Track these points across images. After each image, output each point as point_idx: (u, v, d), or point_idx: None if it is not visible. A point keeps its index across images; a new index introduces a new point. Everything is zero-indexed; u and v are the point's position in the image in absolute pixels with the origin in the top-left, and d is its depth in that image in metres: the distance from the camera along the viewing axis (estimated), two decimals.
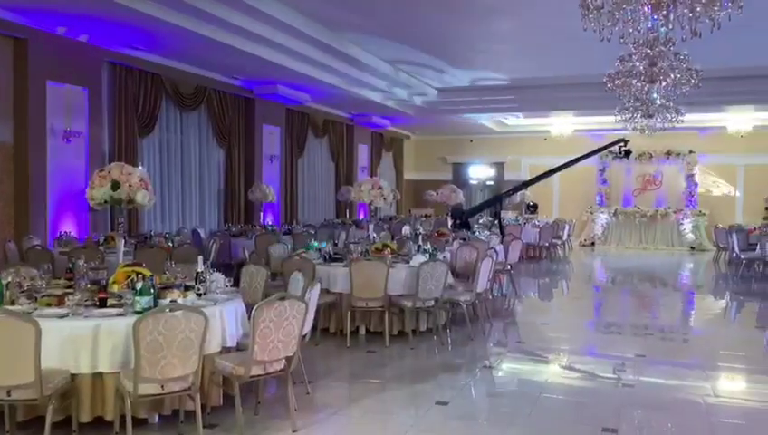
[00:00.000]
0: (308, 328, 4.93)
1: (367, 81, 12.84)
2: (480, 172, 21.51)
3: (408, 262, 7.22)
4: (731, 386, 5.88)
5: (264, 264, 7.16)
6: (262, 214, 12.93)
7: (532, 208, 19.99)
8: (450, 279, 7.34)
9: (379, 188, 7.68)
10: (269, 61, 10.41)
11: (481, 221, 16.29)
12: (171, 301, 4.38)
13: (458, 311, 7.54)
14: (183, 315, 3.93)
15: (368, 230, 8.83)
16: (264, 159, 13.46)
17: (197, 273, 4.93)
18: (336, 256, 7.38)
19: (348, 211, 16.73)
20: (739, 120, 17.35)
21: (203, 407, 4.30)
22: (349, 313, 6.72)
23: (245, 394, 4.75)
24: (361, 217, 16.88)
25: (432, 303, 6.86)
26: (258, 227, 11.81)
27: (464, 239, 10.21)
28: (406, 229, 12.51)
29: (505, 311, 9.07)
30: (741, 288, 11.37)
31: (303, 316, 4.41)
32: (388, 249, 7.48)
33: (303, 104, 14.12)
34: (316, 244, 7.99)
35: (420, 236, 9.03)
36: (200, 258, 5.10)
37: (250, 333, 4.19)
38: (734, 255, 13.34)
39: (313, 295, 4.89)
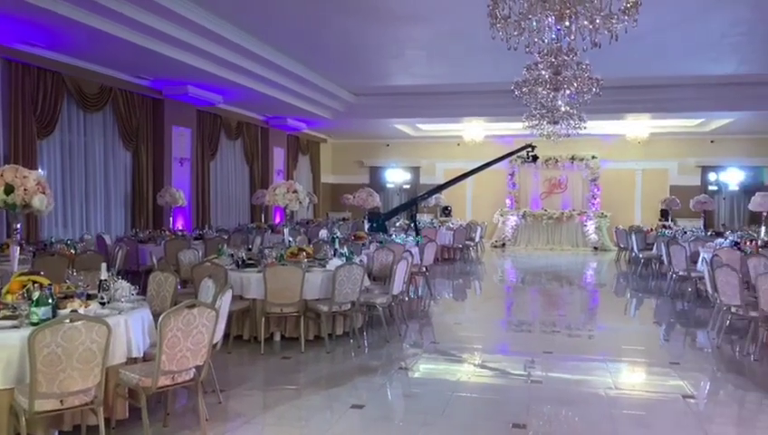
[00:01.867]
0: (219, 336, 4.81)
1: (282, 83, 12.68)
2: (397, 176, 21.75)
3: (324, 266, 7.18)
4: (631, 379, 6.23)
5: (174, 270, 6.92)
6: (172, 219, 12.49)
7: (447, 211, 20.42)
8: (367, 282, 7.37)
9: (295, 191, 7.57)
10: (179, 61, 10.08)
11: (397, 224, 16.48)
12: (72, 311, 4.14)
13: (375, 313, 7.57)
14: (84, 326, 3.73)
15: (283, 234, 8.70)
16: (174, 161, 13.02)
17: (101, 281, 4.70)
18: (250, 262, 7.24)
19: (263, 215, 16.45)
20: (637, 127, 18.43)
21: (107, 421, 4.11)
22: (263, 319, 6.62)
23: (154, 406, 4.58)
24: (277, 221, 16.66)
25: (349, 306, 6.86)
26: (168, 232, 11.39)
27: (381, 242, 10.27)
28: (323, 233, 12.47)
29: (421, 312, 9.19)
30: (640, 286, 12.06)
31: (214, 324, 4.29)
32: (304, 253, 7.42)
33: (216, 105, 13.77)
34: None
35: (337, 240, 9.01)
36: (104, 265, 4.86)
37: (157, 343, 4.03)
38: (634, 254, 14.15)
39: (225, 302, 4.77)
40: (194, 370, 4.31)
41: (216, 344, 4.72)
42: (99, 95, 11.16)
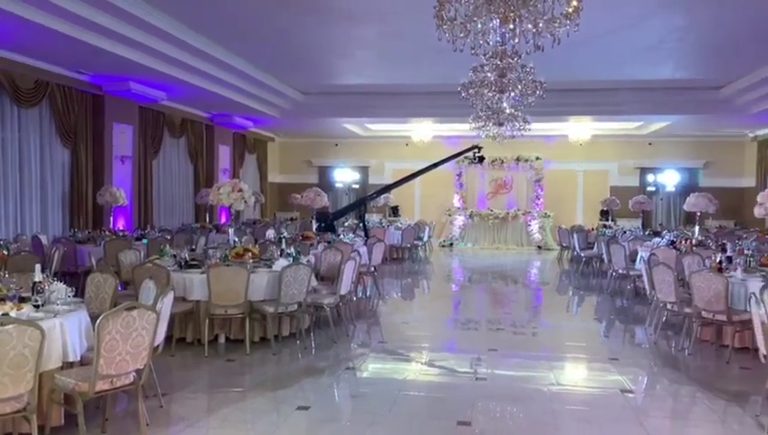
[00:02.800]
0: (161, 338, 4.69)
1: (228, 80, 12.46)
2: (345, 175, 21.70)
3: (270, 266, 7.10)
4: (573, 374, 6.39)
5: (114, 272, 6.71)
6: (112, 218, 12.09)
7: (396, 211, 20.50)
8: (314, 282, 7.32)
9: (240, 190, 7.45)
10: (119, 56, 9.76)
11: (346, 224, 16.44)
12: (3, 314, 3.97)
13: (322, 314, 7.52)
14: (15, 330, 3.58)
15: (228, 234, 8.56)
16: (115, 159, 12.61)
17: (35, 283, 4.51)
18: (193, 262, 7.08)
19: (208, 215, 16.15)
20: (579, 129, 18.94)
21: (41, 428, 3.96)
22: (207, 321, 6.49)
23: (91, 412, 4.44)
24: (223, 221, 16.37)
25: (295, 307, 6.80)
26: (108, 232, 11.03)
27: (329, 242, 10.22)
28: (270, 233, 12.31)
29: (369, 312, 9.20)
30: (581, 283, 12.40)
31: (155, 326, 4.18)
32: (250, 254, 7.30)
33: (159, 102, 13.41)
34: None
35: (284, 240, 8.92)
36: (38, 267, 4.67)
37: (95, 347, 3.90)
38: (575, 253, 14.53)
39: (166, 304, 4.65)
40: (134, 373, 4.19)
41: (157, 347, 4.61)
42: (34, 90, 10.70)
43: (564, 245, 16.42)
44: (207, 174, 16.79)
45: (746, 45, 10.48)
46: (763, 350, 4.86)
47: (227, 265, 6.77)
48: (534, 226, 19.57)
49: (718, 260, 7.34)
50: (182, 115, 15.45)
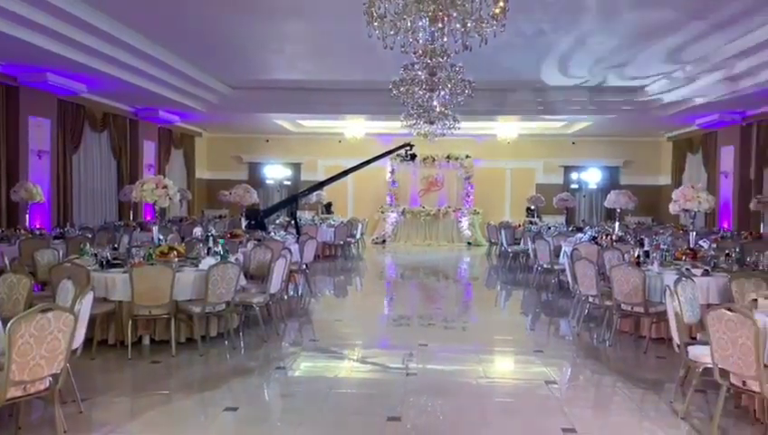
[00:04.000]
0: (80, 341, 4.49)
1: (152, 73, 12.04)
2: (277, 172, 21.42)
3: (197, 265, 6.91)
4: (500, 367, 6.55)
5: (29, 272, 6.37)
6: (28, 216, 11.47)
7: (328, 208, 20.42)
8: (243, 281, 7.18)
9: (164, 187, 7.21)
10: (35, 45, 9.25)
11: (278, 221, 16.24)
12: None
13: (252, 313, 7.40)
14: None
15: (153, 233, 8.27)
16: (32, 154, 11.96)
17: None
18: (115, 261, 6.81)
19: (132, 212, 15.58)
20: (507, 129, 19.42)
21: None
22: (130, 322, 6.25)
23: (5, 420, 4.20)
24: (148, 218, 15.83)
25: (223, 307, 6.64)
26: (23, 230, 10.46)
27: (258, 240, 10.05)
28: (197, 231, 12.00)
29: (300, 310, 9.11)
30: (509, 278, 12.72)
31: (72, 329, 3.99)
32: (175, 252, 7.09)
33: (79, 95, 12.81)
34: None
35: (212, 238, 8.70)
36: None
37: (5, 351, 3.68)
38: (503, 249, 14.89)
39: (85, 305, 4.45)
40: (50, 379, 3.99)
41: (75, 351, 4.40)
42: None
43: (493, 241, 16.82)
44: (131, 170, 16.19)
45: (661, 50, 11.02)
46: (676, 340, 5.12)
47: (151, 265, 6.54)
48: (465, 222, 19.94)
49: (636, 255, 7.69)
50: (104, 109, 14.83)
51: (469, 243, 19.58)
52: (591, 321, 7.97)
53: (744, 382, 4.17)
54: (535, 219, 18.50)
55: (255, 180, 20.68)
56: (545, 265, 10.91)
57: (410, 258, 16.36)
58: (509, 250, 14.20)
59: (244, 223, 12.54)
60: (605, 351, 6.89)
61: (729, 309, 4.21)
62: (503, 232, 14.84)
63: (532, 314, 9.31)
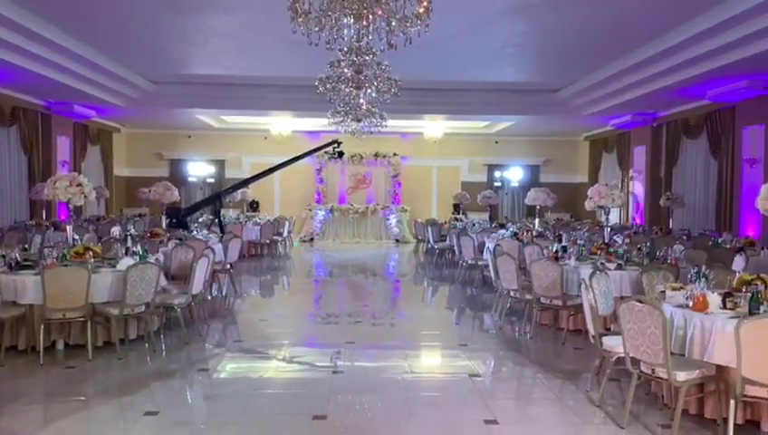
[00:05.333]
0: None
1: (65, 65, 11.45)
2: (200, 169, 20.87)
3: (114, 266, 6.64)
4: (425, 362, 6.64)
5: None
6: None
7: (254, 206, 20.11)
8: (163, 282, 6.97)
9: (79, 184, 6.89)
10: None
11: (201, 220, 15.84)
12: None
13: (173, 315, 7.19)
14: None
15: (68, 232, 7.90)
16: None
17: None
18: (26, 263, 6.46)
19: (46, 211, 14.80)
20: (433, 127, 19.71)
21: None
22: (42, 326, 5.94)
23: None
24: (63, 217, 15.08)
25: (143, 308, 6.43)
26: None
27: (180, 239, 9.77)
28: (115, 230, 11.53)
29: (225, 311, 8.92)
30: (435, 274, 12.91)
31: None
32: (91, 253, 6.79)
33: None
34: None
35: (130, 238, 8.39)
36: None
37: None
38: (430, 245, 15.12)
39: None
40: None
41: None
42: None
43: (420, 238, 17.03)
44: (44, 167, 15.35)
45: (578, 53, 11.48)
46: (591, 331, 5.35)
47: (65, 266, 6.24)
48: (393, 220, 20.09)
49: (554, 250, 7.99)
50: (13, 102, 13.99)
51: (397, 240, 19.75)
52: (513, 314, 8.21)
53: (653, 370, 4.41)
54: (461, 216, 18.88)
55: (177, 178, 20.09)
56: (470, 261, 11.15)
57: (338, 256, 16.33)
58: (435, 247, 14.43)
59: (164, 222, 12.16)
60: (526, 343, 7.12)
61: (639, 301, 4.44)
62: (429, 229, 15.06)
63: (458, 309, 9.49)
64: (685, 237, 11.71)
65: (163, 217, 12.32)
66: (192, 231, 11.68)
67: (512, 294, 7.77)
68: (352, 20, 5.39)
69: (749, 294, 4.46)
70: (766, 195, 4.93)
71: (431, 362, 6.70)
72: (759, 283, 4.76)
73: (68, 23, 9.88)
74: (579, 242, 8.77)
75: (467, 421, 4.66)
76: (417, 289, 11.85)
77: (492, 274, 8.60)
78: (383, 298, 10.78)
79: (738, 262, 8.02)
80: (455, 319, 8.87)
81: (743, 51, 9.42)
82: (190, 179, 20.87)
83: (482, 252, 11.08)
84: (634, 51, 11.07)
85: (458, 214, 19.42)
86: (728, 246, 9.89)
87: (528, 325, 7.44)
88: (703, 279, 4.90)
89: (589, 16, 9.20)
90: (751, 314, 4.27)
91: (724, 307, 4.55)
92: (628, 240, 9.76)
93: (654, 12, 8.89)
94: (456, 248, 12.27)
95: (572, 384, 5.57)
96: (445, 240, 14.36)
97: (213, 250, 8.18)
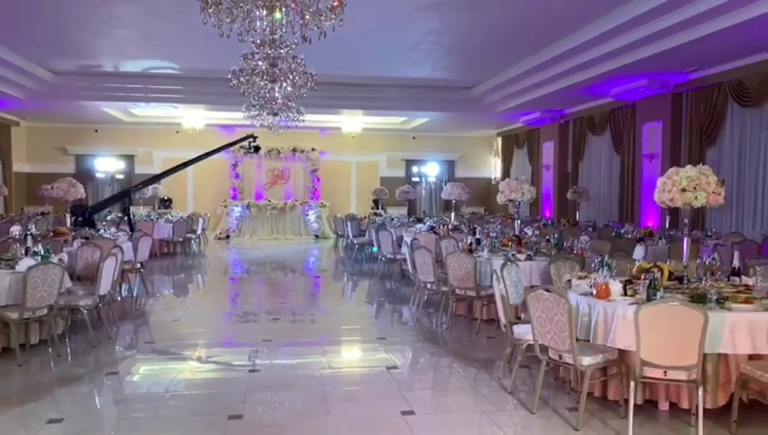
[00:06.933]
0: None
1: None
2: (108, 165, 19.97)
3: (13, 267, 6.25)
4: (344, 357, 6.65)
5: None
6: None
7: (167, 203, 19.45)
8: (68, 283, 6.63)
9: None
10: None
11: (109, 218, 15.18)
12: None
13: (79, 317, 6.86)
14: None
15: None
16: None
17: None
18: None
19: None
20: (351, 122, 19.73)
21: None
22: None
23: None
24: None
25: (45, 311, 6.08)
26: None
27: (86, 238, 9.31)
28: (15, 229, 10.83)
29: (136, 312, 8.59)
30: (355, 269, 12.95)
31: None
32: None
33: None
34: None
35: (31, 237, 7.91)
36: None
37: None
38: (349, 240, 15.14)
39: None
40: None
41: None
42: None
43: (339, 233, 17.03)
44: None
45: (490, 51, 11.81)
46: (503, 320, 5.53)
47: None
48: (312, 215, 19.99)
49: (469, 242, 8.20)
50: None
51: (316, 236, 19.66)
52: (431, 306, 8.36)
53: (560, 356, 4.61)
54: (380, 211, 19.03)
55: (84, 174, 19.19)
56: (389, 256, 11.25)
57: (256, 253, 16.07)
58: (355, 242, 14.46)
59: (69, 220, 11.56)
60: (442, 334, 7.27)
61: (547, 290, 4.63)
62: (349, 224, 15.09)
63: (377, 303, 9.56)
64: (590, 229, 12.32)
65: (68, 216, 11.71)
66: (99, 229, 11.16)
67: (429, 286, 7.91)
68: (265, 12, 5.31)
69: (647, 281, 4.73)
70: (662, 188, 5.24)
71: (350, 356, 6.72)
72: (656, 270, 5.08)
73: None
74: (492, 235, 9.04)
75: (385, 414, 4.71)
76: (336, 284, 11.84)
77: (409, 267, 8.72)
78: (302, 295, 10.70)
79: (638, 251, 8.51)
80: (374, 313, 8.92)
81: (642, 51, 10.00)
82: (98, 175, 19.97)
83: (400, 246, 11.22)
84: (543, 50, 11.50)
85: (377, 209, 19.56)
86: (630, 236, 10.50)
87: (444, 316, 7.60)
88: (606, 268, 5.15)
89: (500, 16, 9.48)
90: (649, 300, 4.54)
91: (625, 294, 4.81)
92: (537, 232, 10.15)
93: (561, 13, 9.28)
94: (374, 243, 12.35)
95: (486, 373, 5.74)
96: (364, 235, 14.42)
97: (121, 249, 7.86)
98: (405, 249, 10.23)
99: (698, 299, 4.48)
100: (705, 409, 4.20)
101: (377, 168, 22.02)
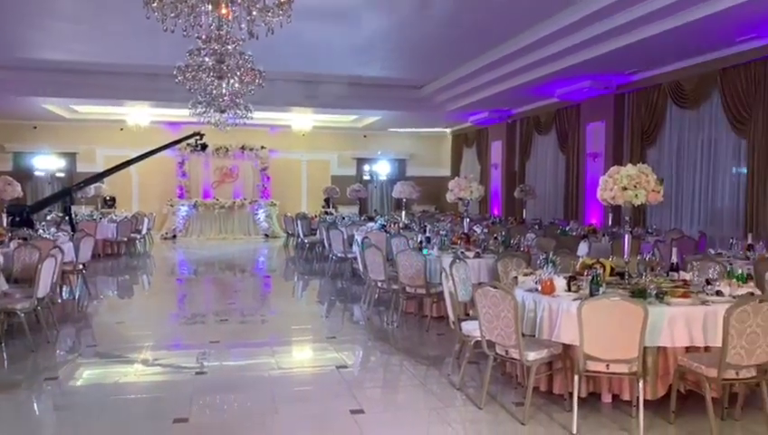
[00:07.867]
0: None
1: None
2: (48, 163, 19.24)
3: None
4: (293, 357, 6.59)
5: None
6: None
7: (110, 202, 18.90)
8: (4, 286, 6.37)
9: None
10: None
11: (49, 217, 14.64)
12: None
13: (16, 321, 6.58)
14: None
15: None
16: None
17: None
18: None
19: None
20: (302, 120, 19.57)
21: None
22: None
23: None
24: None
25: None
26: None
27: (24, 239, 8.94)
28: None
29: (77, 314, 8.32)
30: (306, 268, 12.86)
31: None
32: None
33: None
34: None
35: None
36: None
37: None
38: (300, 240, 15.03)
39: None
40: None
41: None
42: None
43: (290, 232, 16.88)
44: None
45: (439, 50, 11.90)
46: (452, 317, 5.58)
47: None
48: (261, 214, 19.76)
49: (419, 240, 8.24)
50: None
51: (266, 235, 19.43)
52: (381, 304, 8.38)
53: (506, 351, 4.68)
54: (331, 210, 18.95)
55: (22, 172, 18.45)
56: (339, 254, 11.22)
57: (204, 253, 15.77)
58: (306, 241, 14.36)
59: (6, 220, 11.10)
60: (393, 332, 7.30)
61: (493, 286, 4.69)
62: (299, 223, 14.97)
63: (328, 302, 9.52)
64: (537, 226, 12.58)
65: (4, 216, 11.25)
66: (38, 230, 10.74)
67: (379, 284, 7.92)
68: (210, 7, 5.22)
69: (590, 277, 4.85)
70: (605, 186, 5.38)
71: (299, 356, 6.66)
72: (599, 266, 5.21)
73: None
74: (441, 233, 9.12)
75: (334, 413, 4.68)
76: (287, 284, 11.73)
77: (360, 266, 8.71)
78: (252, 295, 10.56)
79: (582, 248, 8.74)
80: (324, 312, 8.88)
81: (586, 53, 10.27)
82: (37, 174, 19.23)
83: (351, 245, 11.19)
84: (491, 50, 11.67)
85: (328, 208, 19.48)
86: (574, 233, 10.76)
87: (395, 314, 7.63)
88: (551, 265, 5.26)
89: (448, 15, 9.55)
90: (591, 295, 4.65)
91: (569, 290, 4.92)
92: (486, 230, 10.29)
93: (507, 13, 9.42)
94: (325, 242, 12.29)
95: (436, 369, 5.79)
96: (315, 234, 14.34)
97: (61, 249, 7.58)
98: (355, 248, 10.21)
99: (639, 294, 4.61)
100: (645, 400, 4.34)
101: (328, 166, 21.92)
